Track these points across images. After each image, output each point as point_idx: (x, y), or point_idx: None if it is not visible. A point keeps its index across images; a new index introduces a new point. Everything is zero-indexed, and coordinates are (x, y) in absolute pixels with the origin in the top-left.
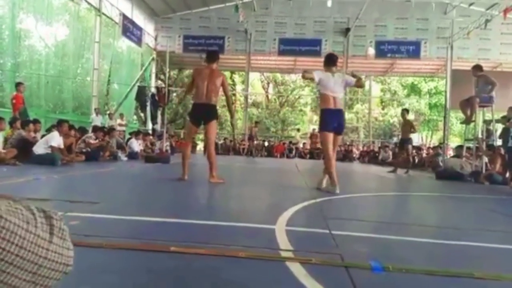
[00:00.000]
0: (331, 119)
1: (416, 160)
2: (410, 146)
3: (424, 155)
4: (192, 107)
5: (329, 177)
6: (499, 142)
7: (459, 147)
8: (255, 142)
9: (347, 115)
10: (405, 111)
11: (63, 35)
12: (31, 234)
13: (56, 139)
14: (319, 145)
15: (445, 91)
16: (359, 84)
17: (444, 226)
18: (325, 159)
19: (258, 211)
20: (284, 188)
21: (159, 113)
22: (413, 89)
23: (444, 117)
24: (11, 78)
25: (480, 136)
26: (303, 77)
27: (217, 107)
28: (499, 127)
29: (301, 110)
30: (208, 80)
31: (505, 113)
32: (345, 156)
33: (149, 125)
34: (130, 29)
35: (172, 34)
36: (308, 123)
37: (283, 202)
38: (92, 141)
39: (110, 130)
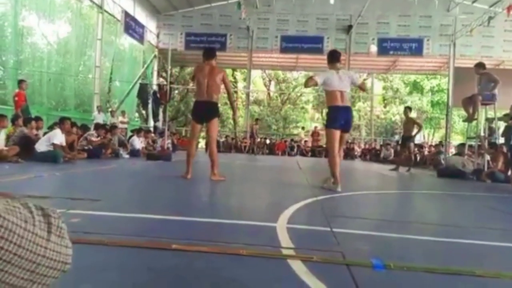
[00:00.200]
0: (339, 116)
1: (418, 158)
2: (411, 144)
3: (426, 153)
4: (194, 105)
5: (332, 175)
6: (501, 140)
7: (461, 145)
8: (257, 140)
9: None
10: (408, 109)
11: (65, 32)
12: (29, 232)
13: (58, 137)
14: (320, 143)
15: (448, 89)
16: (363, 87)
17: (445, 224)
18: (329, 157)
19: (259, 209)
20: (286, 186)
21: (160, 110)
22: (415, 87)
23: (446, 115)
24: (13, 75)
25: (482, 134)
26: (306, 86)
27: (219, 105)
28: (502, 125)
29: (302, 108)
30: (208, 78)
31: (507, 111)
32: (347, 154)
33: (151, 123)
34: (132, 27)
35: (174, 32)
36: (310, 120)
37: (285, 200)
38: (94, 139)
39: (112, 128)
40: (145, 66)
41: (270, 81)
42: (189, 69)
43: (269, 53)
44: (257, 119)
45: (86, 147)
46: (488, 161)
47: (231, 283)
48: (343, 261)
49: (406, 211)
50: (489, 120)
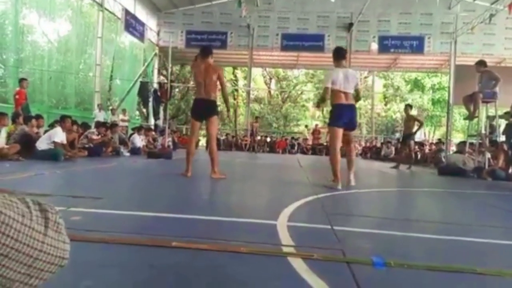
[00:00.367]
0: (343, 114)
1: (419, 156)
2: (412, 142)
3: (426, 150)
4: (193, 103)
5: (332, 172)
6: (502, 138)
7: (462, 143)
8: (258, 138)
9: None
10: (408, 107)
11: (65, 30)
12: (26, 227)
13: (59, 135)
14: (321, 141)
15: (449, 87)
16: (359, 95)
17: (446, 222)
18: (330, 154)
19: (259, 206)
20: (286, 183)
21: (161, 108)
22: (416, 85)
23: (447, 112)
24: (14, 73)
25: (483, 131)
26: (325, 99)
27: (218, 103)
28: (503, 123)
29: (303, 106)
30: (205, 76)
31: (508, 109)
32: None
33: (152, 121)
34: (132, 25)
35: (174, 30)
36: (311, 118)
37: (285, 198)
38: (94, 137)
39: (112, 126)
40: (146, 64)
41: (270, 79)
42: (189, 67)
43: (269, 51)
44: (257, 117)
45: (86, 145)
46: (489, 159)
47: (231, 280)
48: (344, 259)
49: (406, 209)
50: (490, 118)
